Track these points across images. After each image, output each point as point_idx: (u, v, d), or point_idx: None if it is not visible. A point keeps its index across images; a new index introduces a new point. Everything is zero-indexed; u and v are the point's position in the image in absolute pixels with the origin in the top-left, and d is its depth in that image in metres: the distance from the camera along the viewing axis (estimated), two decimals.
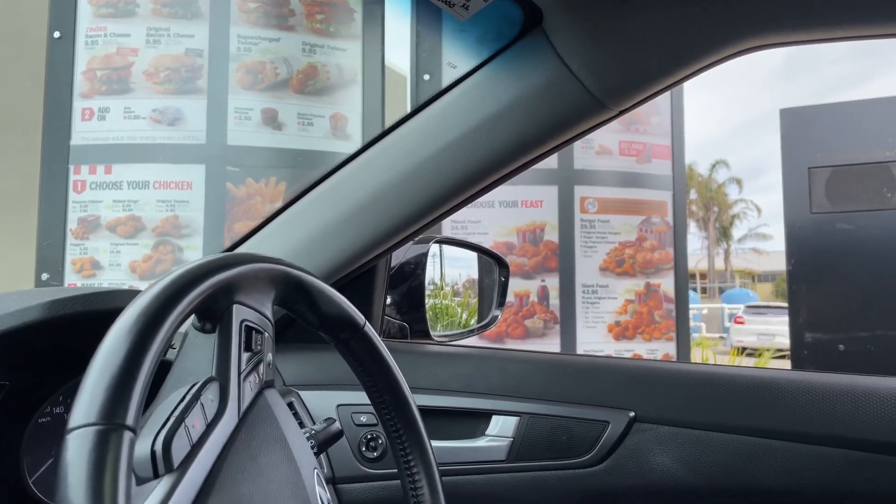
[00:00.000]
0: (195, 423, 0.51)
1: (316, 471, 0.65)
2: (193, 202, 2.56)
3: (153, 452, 0.47)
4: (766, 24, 0.75)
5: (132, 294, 0.79)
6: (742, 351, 13.42)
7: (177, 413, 0.50)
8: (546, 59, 0.84)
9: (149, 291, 0.48)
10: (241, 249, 1.04)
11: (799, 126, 3.54)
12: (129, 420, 0.40)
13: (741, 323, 15.88)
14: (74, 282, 2.52)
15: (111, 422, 0.39)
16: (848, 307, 3.40)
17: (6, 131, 3.58)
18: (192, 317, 0.57)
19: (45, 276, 2.52)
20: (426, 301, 1.30)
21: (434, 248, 1.36)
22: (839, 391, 0.94)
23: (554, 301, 3.12)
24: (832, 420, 0.93)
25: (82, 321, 0.71)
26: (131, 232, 2.53)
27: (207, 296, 0.51)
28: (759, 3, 0.73)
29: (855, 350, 3.36)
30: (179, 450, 0.48)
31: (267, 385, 0.63)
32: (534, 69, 0.86)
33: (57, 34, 2.59)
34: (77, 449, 0.38)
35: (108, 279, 2.52)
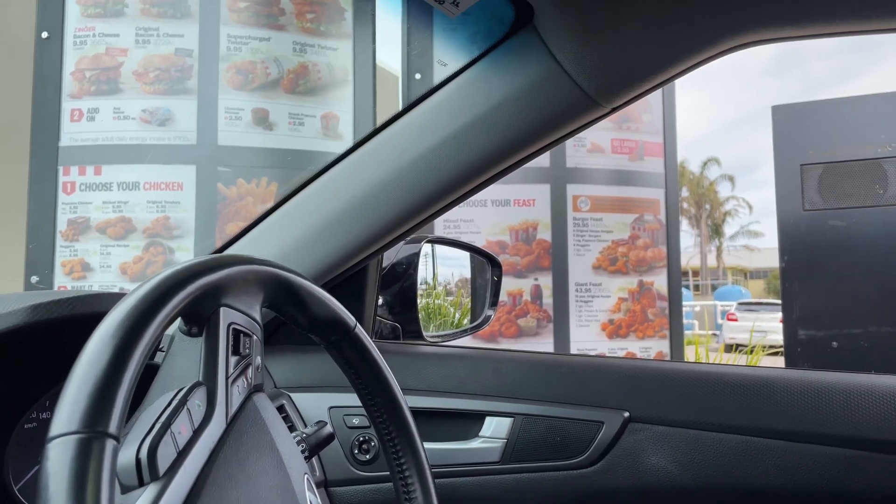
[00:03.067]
0: (182, 429, 0.50)
1: (306, 476, 0.64)
2: (184, 203, 2.54)
3: (138, 460, 0.46)
4: (757, 20, 0.74)
5: (117, 297, 0.78)
6: (735, 348, 13.47)
7: (163, 419, 0.49)
8: (537, 56, 0.83)
9: (133, 295, 0.47)
10: (230, 251, 1.03)
11: (791, 123, 3.54)
12: (112, 428, 0.39)
13: (734, 320, 15.94)
14: (64, 284, 2.50)
15: (93, 430, 0.38)
16: (841, 304, 3.40)
17: None
18: (179, 320, 0.56)
19: (34, 279, 2.50)
20: (418, 301, 1.29)
21: (426, 248, 1.35)
22: (834, 389, 0.94)
23: (547, 300, 3.12)
24: (827, 418, 0.92)
25: (67, 325, 0.70)
26: (121, 233, 2.51)
27: (193, 299, 0.50)
28: (749, 1, 0.72)
29: (848, 347, 3.37)
30: (165, 457, 0.47)
31: (255, 389, 0.62)
32: (525, 66, 0.85)
33: (45, 34, 2.56)
34: (58, 458, 0.37)
35: (99, 281, 2.50)
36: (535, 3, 0.79)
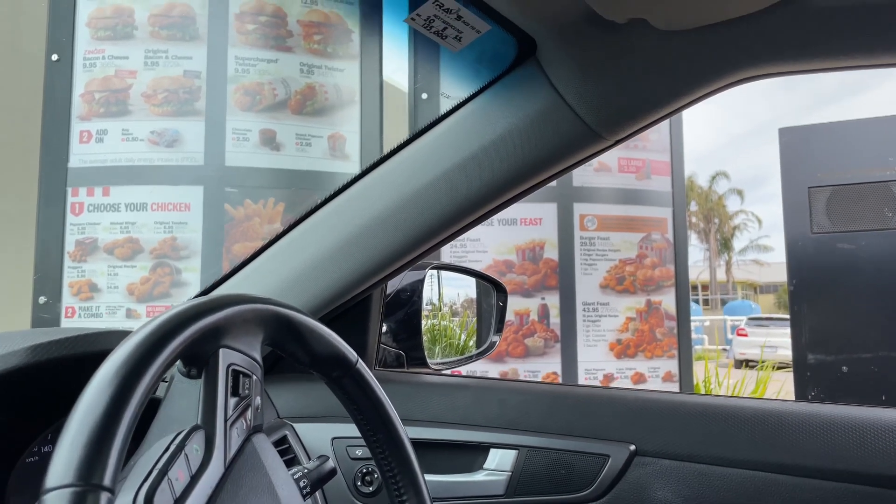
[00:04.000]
0: (179, 475, 0.50)
1: None
2: (191, 224, 2.55)
3: None
4: (759, 57, 0.74)
5: (118, 336, 0.78)
6: (745, 364, 13.37)
7: (160, 465, 0.49)
8: (540, 89, 0.83)
9: (130, 340, 0.46)
10: (233, 281, 1.02)
11: (798, 145, 3.52)
12: (107, 480, 0.39)
13: (744, 335, 15.83)
14: (72, 304, 2.51)
15: (88, 483, 0.38)
16: (851, 328, 3.36)
17: (4, 153, 3.59)
18: (178, 361, 0.56)
19: (42, 300, 2.51)
20: (424, 323, 1.29)
21: (431, 272, 1.35)
22: (845, 424, 0.92)
23: (554, 319, 3.10)
24: (839, 453, 0.91)
25: (67, 364, 0.70)
26: (129, 254, 2.52)
27: (192, 342, 0.50)
28: (756, 34, 0.72)
29: (858, 372, 3.33)
30: None
31: (255, 430, 0.62)
32: (528, 99, 0.85)
33: (55, 57, 2.59)
34: None
35: (106, 302, 2.51)
36: (538, 36, 0.79)
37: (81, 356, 0.70)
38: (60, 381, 0.71)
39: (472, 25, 0.78)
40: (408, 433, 0.73)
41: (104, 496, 0.38)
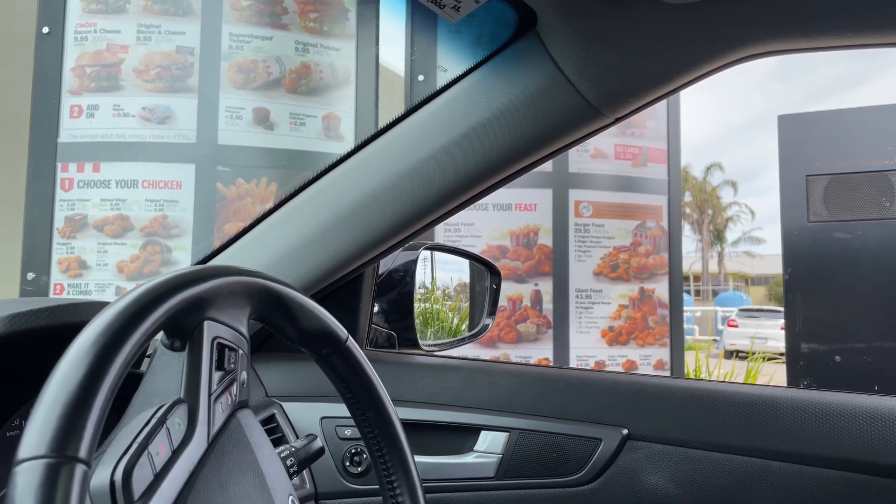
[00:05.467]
0: (160, 449, 0.48)
1: (291, 498, 0.61)
2: (183, 202, 2.52)
3: (112, 483, 0.44)
4: (766, 32, 0.72)
5: (100, 306, 0.75)
6: (736, 354, 13.45)
7: (140, 439, 0.47)
8: (540, 63, 0.81)
9: (111, 309, 0.45)
10: (222, 256, 1.00)
11: (797, 133, 3.51)
12: (82, 452, 0.37)
13: (734, 326, 15.92)
14: (61, 281, 2.48)
15: (62, 454, 0.37)
16: (845, 318, 3.37)
17: None
18: (161, 333, 0.54)
19: (30, 276, 2.48)
20: (416, 306, 1.27)
21: (425, 254, 1.33)
22: (839, 411, 0.92)
23: (547, 305, 3.10)
24: (832, 441, 0.90)
25: (47, 334, 0.68)
26: (119, 231, 2.49)
27: (176, 312, 0.48)
28: (759, 11, 0.70)
29: (851, 361, 3.34)
30: (141, 480, 0.45)
31: (240, 406, 0.60)
32: (527, 73, 0.83)
33: (46, 29, 2.54)
34: (25, 484, 0.36)
35: (95, 279, 2.48)
36: (539, 8, 0.77)
37: (62, 327, 0.68)
38: (41, 352, 0.69)
39: None
40: (398, 413, 0.71)
41: (79, 468, 0.37)
